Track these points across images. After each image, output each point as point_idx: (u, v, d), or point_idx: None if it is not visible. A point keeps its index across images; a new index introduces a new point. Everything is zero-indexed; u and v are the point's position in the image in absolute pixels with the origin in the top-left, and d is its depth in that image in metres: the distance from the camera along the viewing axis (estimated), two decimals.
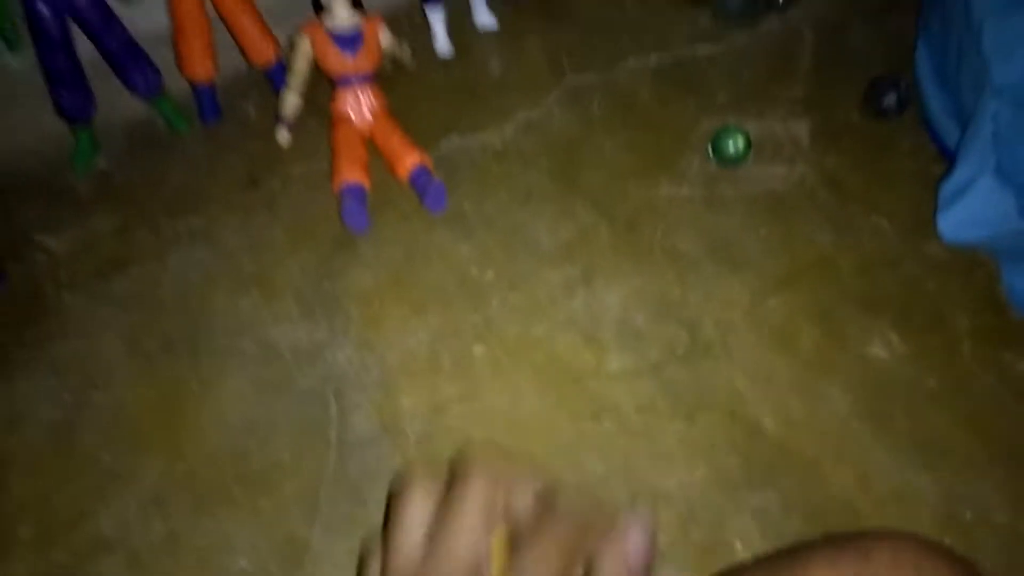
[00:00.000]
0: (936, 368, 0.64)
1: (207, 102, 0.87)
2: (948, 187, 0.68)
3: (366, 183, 0.78)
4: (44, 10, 0.73)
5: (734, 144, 0.76)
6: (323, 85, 0.81)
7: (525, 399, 0.65)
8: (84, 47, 0.78)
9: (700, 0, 0.92)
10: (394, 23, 0.82)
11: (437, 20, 0.91)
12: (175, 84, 0.85)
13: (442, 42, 0.92)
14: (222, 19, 0.83)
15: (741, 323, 0.68)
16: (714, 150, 0.78)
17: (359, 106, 0.81)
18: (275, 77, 0.88)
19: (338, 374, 0.67)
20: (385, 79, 0.82)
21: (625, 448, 0.62)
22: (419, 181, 0.78)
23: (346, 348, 0.69)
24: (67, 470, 0.62)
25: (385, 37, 0.80)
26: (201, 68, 0.84)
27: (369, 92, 0.81)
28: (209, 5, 0.81)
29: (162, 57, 0.84)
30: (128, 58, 0.80)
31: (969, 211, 0.66)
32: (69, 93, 0.79)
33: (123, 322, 0.71)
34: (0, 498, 0.61)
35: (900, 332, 0.66)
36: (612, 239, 0.74)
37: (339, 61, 0.78)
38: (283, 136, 0.83)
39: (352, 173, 0.77)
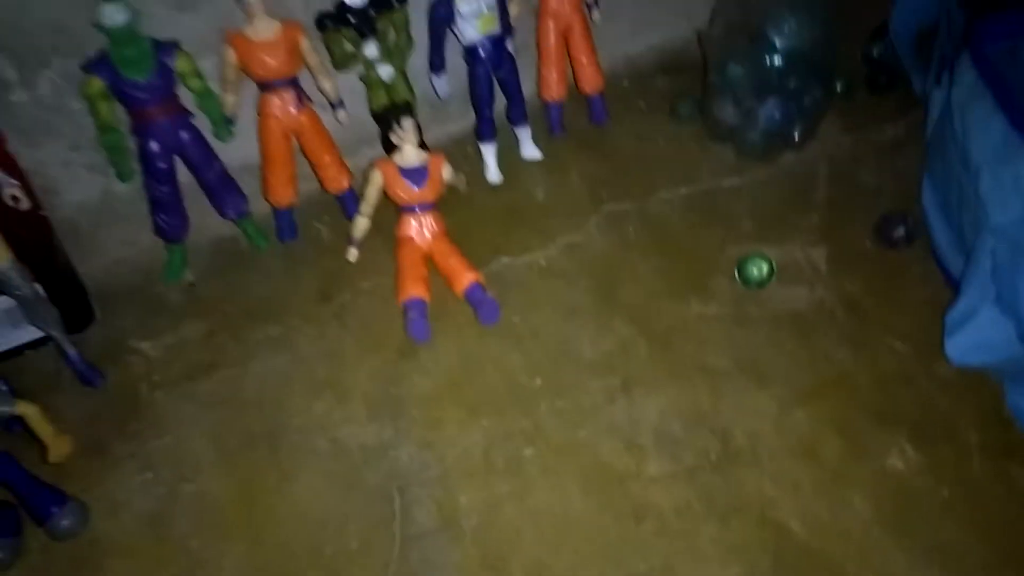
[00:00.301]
0: (949, 479, 0.69)
1: (285, 223, 0.98)
2: (953, 315, 0.76)
3: (427, 297, 0.87)
4: (155, 148, 0.85)
5: (758, 269, 0.85)
6: (387, 210, 0.91)
7: (572, 499, 0.71)
8: (182, 174, 0.90)
9: (724, 138, 1.03)
10: (450, 153, 0.93)
11: (489, 152, 1.03)
12: (257, 205, 0.97)
13: (493, 171, 1.04)
14: (304, 153, 0.95)
15: (769, 433, 0.74)
16: (740, 274, 0.86)
17: (421, 229, 0.91)
18: (346, 203, 0.99)
19: (402, 471, 0.74)
20: (442, 203, 0.93)
21: (665, 548, 0.67)
22: (474, 297, 0.87)
23: (409, 447, 0.76)
24: (160, 556, 0.69)
25: (447, 171, 0.91)
26: (283, 195, 0.95)
27: (430, 217, 0.91)
28: (293, 140, 0.94)
29: (247, 183, 0.95)
30: (221, 186, 0.92)
31: (973, 338, 0.73)
32: (168, 217, 0.91)
33: (209, 420, 0.79)
34: None
35: (915, 445, 0.72)
36: (649, 353, 0.82)
37: (407, 192, 0.89)
38: (352, 254, 0.93)
39: (415, 289, 0.87)
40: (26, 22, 0.78)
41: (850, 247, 0.91)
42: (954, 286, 0.82)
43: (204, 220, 0.96)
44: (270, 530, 0.70)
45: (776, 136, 0.99)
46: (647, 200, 0.98)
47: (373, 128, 1.02)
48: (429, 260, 0.91)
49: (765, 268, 0.85)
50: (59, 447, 0.68)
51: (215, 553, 0.69)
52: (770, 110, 0.97)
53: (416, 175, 0.89)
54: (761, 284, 0.86)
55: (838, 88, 1.06)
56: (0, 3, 0.76)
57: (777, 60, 0.93)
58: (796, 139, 1.00)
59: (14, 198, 0.73)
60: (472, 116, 1.08)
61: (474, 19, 0.92)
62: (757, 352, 0.81)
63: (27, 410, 0.64)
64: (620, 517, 0.69)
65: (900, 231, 0.88)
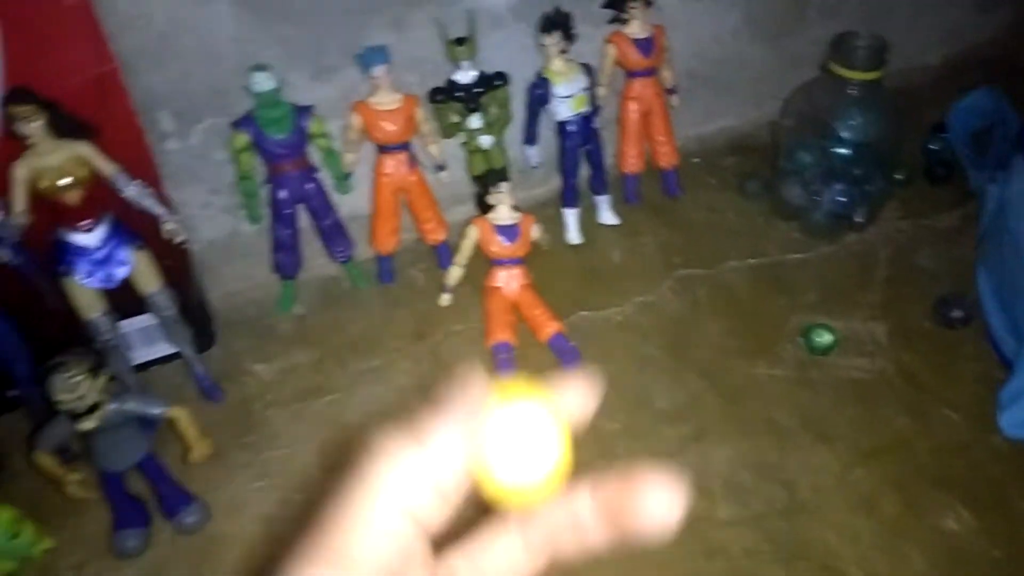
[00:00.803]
0: (1001, 542, 0.74)
1: (386, 268, 1.08)
2: (1006, 392, 0.82)
3: (514, 342, 0.95)
4: (284, 196, 0.97)
5: (823, 337, 0.92)
6: (477, 262, 1.00)
7: None
8: (302, 219, 1.01)
9: (790, 216, 1.11)
10: (534, 214, 1.02)
11: (571, 217, 1.13)
12: (360, 251, 1.07)
13: (573, 233, 1.13)
14: (409, 208, 1.06)
15: (832, 487, 0.80)
16: (806, 340, 0.93)
17: (509, 281, 1.00)
18: (441, 254, 1.09)
19: None
20: (527, 259, 1.02)
21: None
22: (557, 345, 0.95)
23: None
24: (272, 554, 0.76)
25: (536, 230, 1.01)
26: (387, 244, 1.06)
27: (518, 270, 1.00)
28: (401, 197, 1.04)
29: (354, 231, 1.06)
30: (334, 232, 1.02)
31: None
32: (286, 256, 1.02)
33: (316, 437, 0.88)
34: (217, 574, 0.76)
35: (969, 508, 0.77)
36: (718, 406, 0.89)
37: (499, 247, 0.98)
38: (445, 299, 1.03)
39: (503, 334, 0.95)
40: (190, 84, 0.91)
41: (909, 324, 0.97)
42: (1007, 365, 0.88)
43: (314, 260, 1.07)
44: None
45: (840, 218, 1.07)
46: (717, 268, 1.07)
47: (466, 189, 1.13)
48: (515, 309, 1.00)
49: (829, 337, 0.92)
50: (202, 449, 0.77)
51: None
52: (835, 194, 1.05)
53: (509, 232, 0.98)
54: (825, 352, 0.92)
55: (899, 177, 1.14)
56: (171, 69, 0.89)
57: (844, 150, 1.02)
58: (859, 221, 1.08)
59: (172, 232, 0.84)
60: (553, 182, 1.19)
61: (568, 100, 1.03)
62: (821, 413, 0.87)
63: (178, 413, 0.74)
64: (692, 554, 0.75)
65: (958, 312, 0.95)
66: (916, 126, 1.17)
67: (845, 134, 1.01)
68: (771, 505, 0.79)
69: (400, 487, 0.20)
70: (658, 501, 0.21)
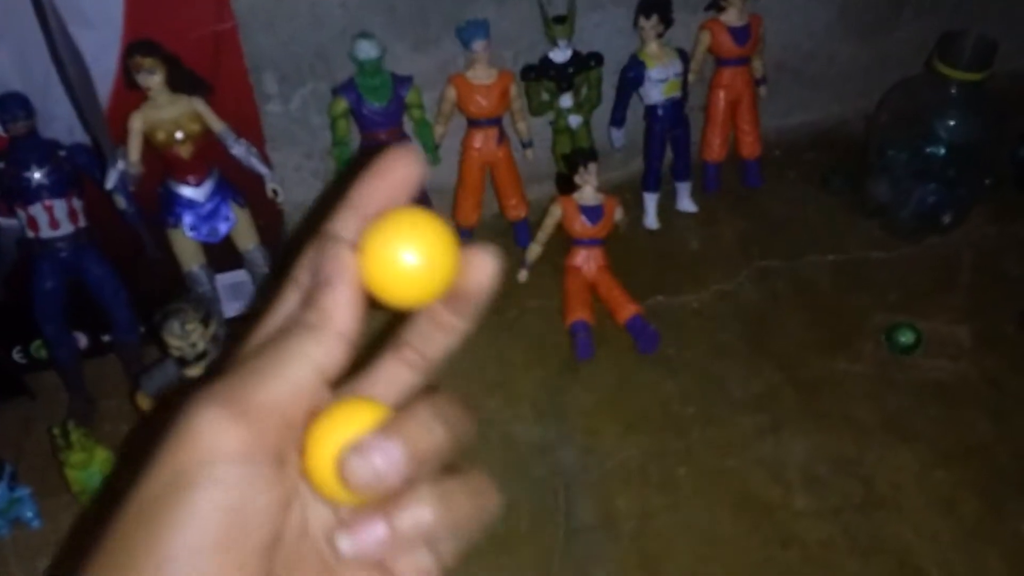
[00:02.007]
0: None
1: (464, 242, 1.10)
2: None
3: (592, 321, 0.96)
4: None
5: (907, 336, 0.91)
6: (554, 241, 1.01)
7: (722, 520, 0.78)
8: None
9: (873, 214, 1.10)
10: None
11: (651, 201, 1.13)
12: None
13: (651, 218, 1.13)
14: (493, 183, 1.07)
15: (911, 486, 0.80)
16: (889, 339, 0.93)
17: (589, 261, 1.01)
18: (519, 231, 1.10)
19: (565, 470, 0.83)
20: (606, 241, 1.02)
21: (809, 575, 0.73)
22: (635, 327, 0.96)
23: (571, 450, 0.85)
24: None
25: (618, 213, 1.01)
26: (469, 218, 1.07)
27: (598, 251, 1.01)
28: (487, 172, 1.06)
29: (438, 202, 1.08)
30: (419, 204, 1.04)
31: None
32: None
33: None
34: None
35: None
36: (796, 398, 0.89)
37: (582, 227, 0.99)
38: (523, 275, 1.04)
39: (582, 312, 0.97)
40: (296, 47, 0.94)
41: (993, 329, 0.96)
42: None
43: None
44: None
45: (926, 218, 1.06)
46: (796, 261, 1.06)
47: (546, 168, 1.14)
48: (593, 290, 1.01)
49: (912, 337, 0.92)
50: None
51: None
52: (925, 194, 1.04)
53: (593, 213, 0.99)
54: (908, 351, 0.92)
55: (987, 182, 1.12)
56: (281, 31, 0.91)
57: (939, 149, 1.01)
58: (946, 223, 1.06)
59: (274, 192, 0.86)
60: (632, 166, 1.19)
61: (661, 84, 1.03)
62: (901, 413, 0.87)
63: None
64: (767, 542, 0.76)
65: None
66: (1009, 132, 1.14)
67: (942, 134, 1.00)
68: (848, 499, 0.79)
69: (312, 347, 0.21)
70: (477, 266, 0.24)
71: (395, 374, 0.26)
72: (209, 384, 0.20)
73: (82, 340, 0.91)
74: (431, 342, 0.25)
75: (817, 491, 0.80)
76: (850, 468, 0.82)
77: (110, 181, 0.76)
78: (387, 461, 0.20)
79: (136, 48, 0.77)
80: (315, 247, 0.23)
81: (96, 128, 0.74)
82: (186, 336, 0.67)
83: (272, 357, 0.21)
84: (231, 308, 0.99)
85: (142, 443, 0.68)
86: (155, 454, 0.19)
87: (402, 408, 0.22)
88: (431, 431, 0.22)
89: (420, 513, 0.22)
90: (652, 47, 1.01)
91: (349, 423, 0.21)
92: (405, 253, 0.22)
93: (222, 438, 0.19)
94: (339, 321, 0.22)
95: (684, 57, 1.04)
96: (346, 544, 0.21)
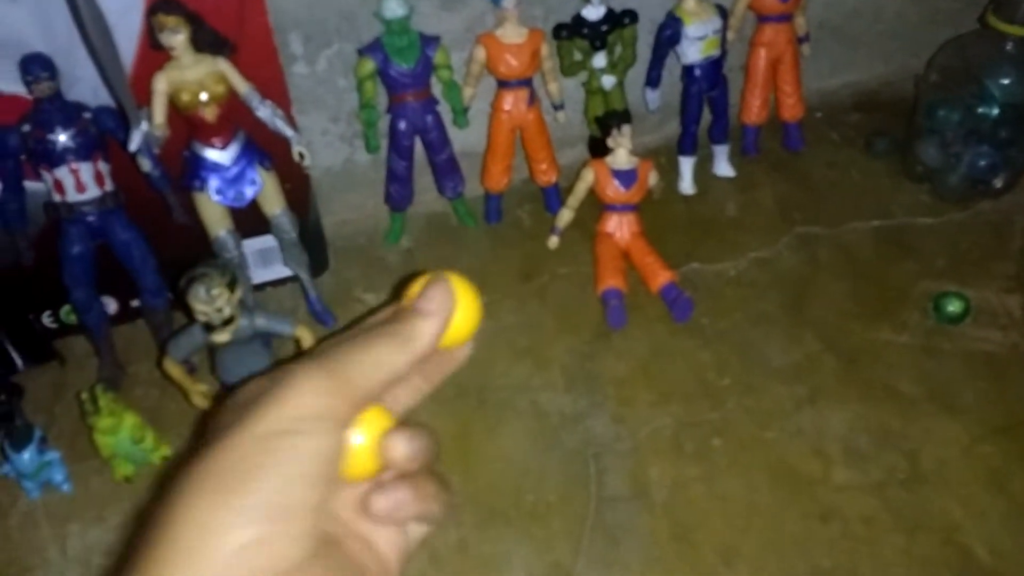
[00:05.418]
0: None
1: (494, 207, 1.08)
2: None
3: (625, 288, 0.94)
4: (403, 127, 0.96)
5: (954, 305, 0.87)
6: (586, 206, 0.98)
7: (759, 491, 0.76)
8: (417, 152, 1.01)
9: (920, 178, 1.06)
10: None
11: (687, 165, 1.09)
12: (470, 187, 1.06)
13: (687, 182, 1.10)
14: (524, 146, 1.04)
15: (958, 460, 0.77)
16: (935, 307, 0.89)
17: (622, 227, 0.98)
18: (549, 196, 1.08)
19: (596, 440, 0.81)
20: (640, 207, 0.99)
21: (850, 550, 0.71)
22: (669, 295, 0.93)
23: (603, 419, 0.83)
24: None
25: (653, 177, 0.98)
26: (498, 182, 1.05)
27: (631, 217, 0.98)
28: (517, 134, 1.03)
29: (466, 166, 1.05)
30: (447, 168, 1.02)
31: None
32: (399, 188, 1.02)
33: None
34: None
35: None
36: (836, 368, 0.86)
37: (615, 192, 0.96)
38: (553, 241, 1.02)
39: (614, 280, 0.94)
40: (321, 7, 0.91)
41: None
42: None
43: (421, 196, 1.06)
44: (480, 468, 0.79)
45: (977, 182, 1.01)
46: (839, 227, 1.02)
47: (578, 131, 1.11)
48: (626, 256, 0.98)
49: (962, 305, 0.88)
50: None
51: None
52: (976, 157, 0.99)
53: (626, 177, 0.96)
54: (956, 321, 0.88)
55: None
56: None
57: (992, 110, 0.95)
58: (997, 187, 1.01)
59: (300, 155, 0.85)
60: (667, 129, 1.16)
61: (699, 42, 0.99)
62: (947, 384, 0.83)
63: (303, 333, 0.75)
64: (806, 516, 0.74)
65: None
66: None
67: (996, 93, 0.95)
68: (891, 474, 0.76)
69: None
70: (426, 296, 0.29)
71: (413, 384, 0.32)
72: (312, 357, 0.26)
73: (111, 305, 0.91)
74: (410, 388, 0.32)
75: (858, 464, 0.77)
76: (893, 441, 0.79)
77: (134, 143, 0.75)
78: (419, 447, 0.27)
79: (159, 6, 0.75)
80: (427, 280, 0.29)
81: (119, 90, 0.73)
82: (212, 301, 0.66)
83: (369, 351, 0.26)
84: (259, 274, 0.98)
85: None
86: (256, 406, 0.24)
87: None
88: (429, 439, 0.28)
89: (427, 489, 0.28)
90: (690, 3, 0.97)
91: (381, 419, 0.27)
92: (474, 313, 0.30)
93: (324, 400, 0.25)
94: (423, 347, 0.28)
95: (723, 13, 1.00)
96: (382, 501, 0.27)
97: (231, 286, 0.67)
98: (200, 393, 0.76)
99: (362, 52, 0.91)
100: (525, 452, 0.80)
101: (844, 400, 0.83)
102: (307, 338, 0.76)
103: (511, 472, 0.79)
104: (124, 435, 0.73)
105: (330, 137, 1.02)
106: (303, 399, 0.24)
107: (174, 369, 0.74)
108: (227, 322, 0.69)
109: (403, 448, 0.26)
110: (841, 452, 0.78)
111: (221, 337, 0.70)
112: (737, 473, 0.77)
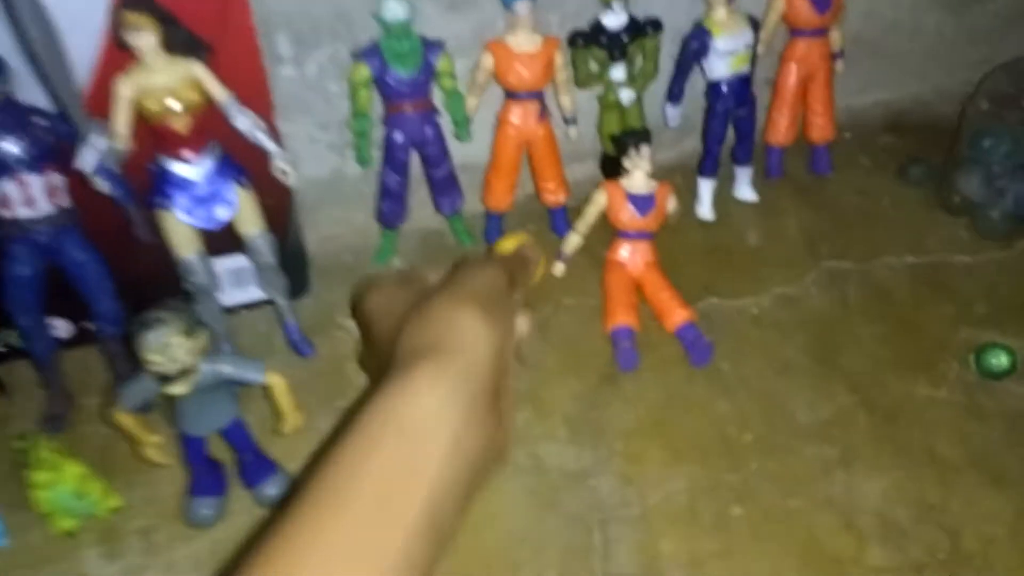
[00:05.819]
0: None
1: (494, 227, 0.99)
2: None
3: (637, 327, 0.85)
4: (399, 139, 0.87)
5: (999, 359, 0.79)
6: (595, 231, 0.90)
7: (784, 572, 0.68)
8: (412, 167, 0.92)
9: (958, 211, 0.97)
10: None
11: (707, 188, 1.01)
12: (469, 203, 0.97)
13: (706, 207, 1.01)
14: (531, 163, 0.95)
15: (1004, 539, 0.69)
16: (978, 361, 0.81)
17: (635, 256, 0.89)
18: (556, 217, 0.99)
19: (602, 503, 0.73)
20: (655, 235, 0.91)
21: None
22: (687, 336, 0.85)
23: (609, 479, 0.75)
24: None
25: (672, 203, 0.89)
26: (502, 201, 0.96)
27: (646, 246, 0.90)
28: (524, 150, 0.94)
29: (465, 180, 0.96)
30: (444, 183, 0.93)
31: None
32: (391, 204, 0.93)
33: None
34: None
35: None
36: (871, 428, 0.78)
37: (630, 218, 0.88)
38: (559, 268, 0.93)
39: (626, 317, 0.86)
40: (313, 5, 0.82)
41: None
42: None
43: (416, 211, 0.98)
44: (473, 533, 0.70)
45: (1022, 220, 0.93)
46: (870, 263, 0.94)
47: (589, 146, 1.02)
48: (638, 289, 0.89)
49: (1006, 360, 0.80)
50: (295, 420, 0.69)
51: None
52: (1023, 191, 0.91)
53: (643, 203, 0.87)
54: (1000, 376, 0.80)
55: None
56: None
57: None
58: None
59: (283, 172, 0.76)
60: (683, 146, 1.07)
61: (728, 57, 0.90)
62: (992, 449, 0.76)
63: (275, 380, 0.66)
64: None
65: None
66: None
67: None
68: (932, 554, 0.68)
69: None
70: None
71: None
72: (470, 298, 0.34)
73: (64, 328, 0.82)
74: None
75: (895, 541, 0.69)
76: (933, 515, 0.71)
77: (84, 162, 0.66)
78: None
79: (128, 2, 0.65)
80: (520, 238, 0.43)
81: (61, 91, 0.63)
82: (164, 351, 0.57)
83: (508, 307, 0.36)
84: (232, 296, 0.89)
85: None
86: (445, 351, 0.32)
87: None
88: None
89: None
90: (720, 13, 0.88)
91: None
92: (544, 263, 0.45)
93: (487, 331, 0.33)
94: (534, 279, 0.42)
95: (755, 25, 0.91)
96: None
97: (189, 332, 0.58)
98: (154, 446, 0.67)
99: (357, 56, 0.82)
100: (523, 516, 0.72)
101: (878, 466, 0.75)
102: (279, 386, 0.67)
103: (506, 540, 0.70)
104: (64, 489, 0.64)
105: (318, 146, 0.93)
106: (474, 331, 0.32)
107: (124, 420, 0.64)
108: (184, 373, 0.60)
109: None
110: (876, 526, 0.70)
111: (176, 390, 0.61)
112: (760, 550, 0.69)
